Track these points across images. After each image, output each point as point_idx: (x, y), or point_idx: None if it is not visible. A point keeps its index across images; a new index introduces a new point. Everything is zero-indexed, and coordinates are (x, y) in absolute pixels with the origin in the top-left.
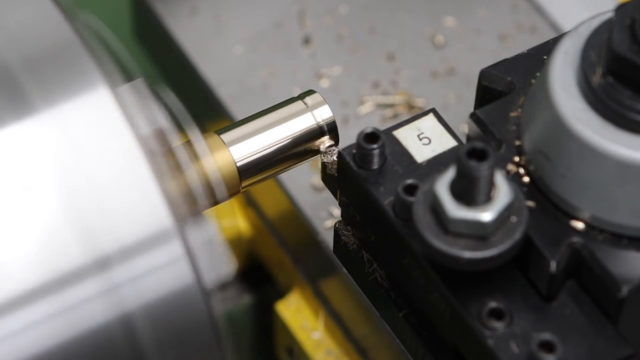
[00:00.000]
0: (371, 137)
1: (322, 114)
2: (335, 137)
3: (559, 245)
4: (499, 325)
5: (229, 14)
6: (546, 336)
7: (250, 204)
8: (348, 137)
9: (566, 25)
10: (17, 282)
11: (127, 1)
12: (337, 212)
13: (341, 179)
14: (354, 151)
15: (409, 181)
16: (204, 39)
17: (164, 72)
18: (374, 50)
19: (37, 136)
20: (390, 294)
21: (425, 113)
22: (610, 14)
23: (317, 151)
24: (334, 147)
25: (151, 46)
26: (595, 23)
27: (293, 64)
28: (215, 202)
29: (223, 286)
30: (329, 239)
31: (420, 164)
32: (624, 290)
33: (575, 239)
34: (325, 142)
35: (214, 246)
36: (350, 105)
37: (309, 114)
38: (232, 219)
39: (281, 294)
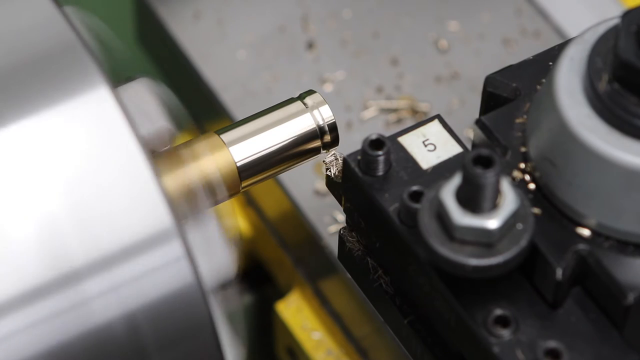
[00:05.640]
0: (376, 143)
1: (322, 114)
2: (335, 137)
3: (564, 252)
4: (504, 332)
5: (232, 18)
6: (552, 344)
7: (250, 204)
8: (352, 141)
9: (570, 30)
10: (19, 281)
11: (130, 5)
12: (340, 217)
13: (346, 185)
14: (359, 157)
15: (415, 188)
16: (207, 43)
17: (168, 76)
18: (378, 54)
19: (37, 136)
20: (395, 301)
21: (431, 119)
22: (616, 20)
23: (317, 151)
24: (337, 158)
25: (154, 50)
26: (601, 29)
27: (296, 69)
28: (215, 202)
29: (223, 286)
30: (332, 244)
31: (426, 171)
32: (630, 298)
33: (581, 246)
34: (328, 153)
35: (215, 245)
36: (354, 110)
37: (309, 114)
38: (232, 219)
39: (281, 294)
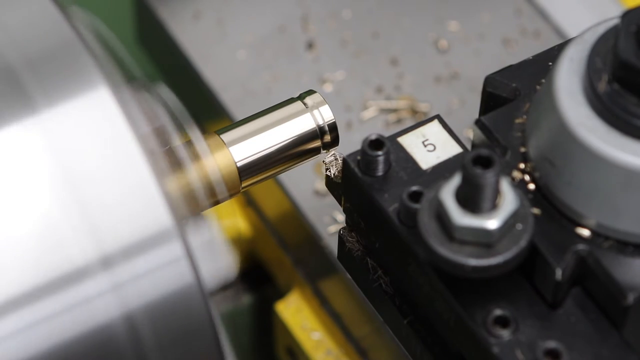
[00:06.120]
0: (376, 143)
1: (322, 114)
2: (335, 137)
3: (564, 253)
4: (504, 332)
5: (232, 19)
6: (552, 344)
7: (250, 204)
8: (352, 142)
9: (570, 30)
10: (19, 281)
11: (130, 6)
12: (340, 217)
13: (346, 185)
14: (358, 157)
15: (414, 188)
16: (207, 43)
17: (167, 76)
18: (378, 54)
19: (37, 136)
20: (395, 301)
21: (430, 119)
22: (616, 20)
23: (317, 151)
24: (337, 158)
25: (154, 51)
26: (601, 29)
27: (296, 69)
28: (215, 202)
29: (224, 286)
30: (332, 244)
31: (425, 171)
32: (630, 298)
33: (581, 246)
34: (327, 153)
35: (215, 246)
36: (354, 110)
37: (309, 114)
38: (232, 219)
39: (281, 294)
